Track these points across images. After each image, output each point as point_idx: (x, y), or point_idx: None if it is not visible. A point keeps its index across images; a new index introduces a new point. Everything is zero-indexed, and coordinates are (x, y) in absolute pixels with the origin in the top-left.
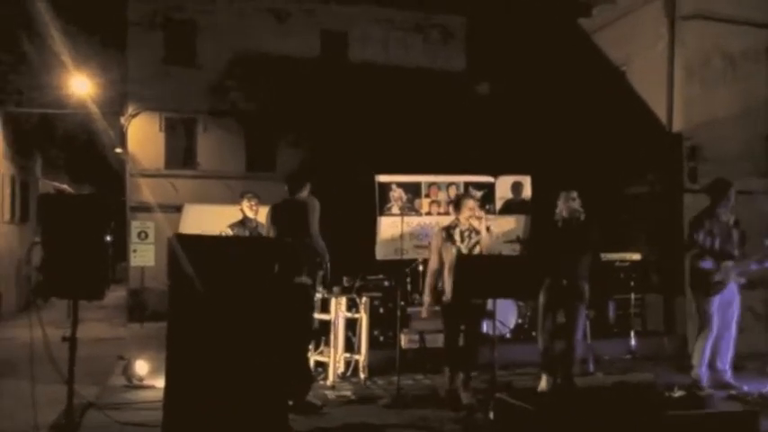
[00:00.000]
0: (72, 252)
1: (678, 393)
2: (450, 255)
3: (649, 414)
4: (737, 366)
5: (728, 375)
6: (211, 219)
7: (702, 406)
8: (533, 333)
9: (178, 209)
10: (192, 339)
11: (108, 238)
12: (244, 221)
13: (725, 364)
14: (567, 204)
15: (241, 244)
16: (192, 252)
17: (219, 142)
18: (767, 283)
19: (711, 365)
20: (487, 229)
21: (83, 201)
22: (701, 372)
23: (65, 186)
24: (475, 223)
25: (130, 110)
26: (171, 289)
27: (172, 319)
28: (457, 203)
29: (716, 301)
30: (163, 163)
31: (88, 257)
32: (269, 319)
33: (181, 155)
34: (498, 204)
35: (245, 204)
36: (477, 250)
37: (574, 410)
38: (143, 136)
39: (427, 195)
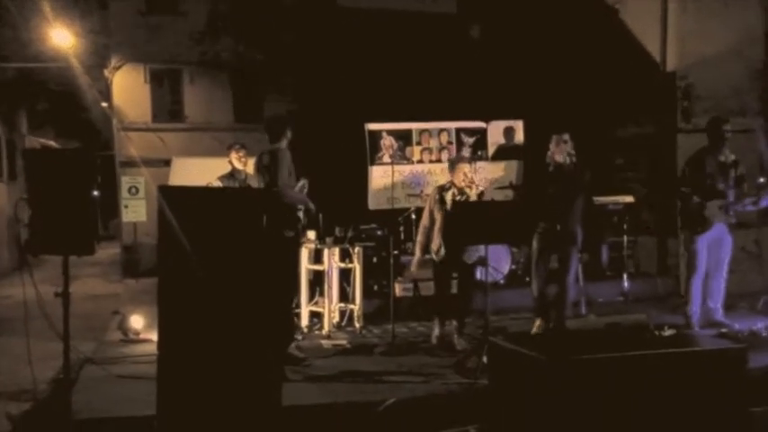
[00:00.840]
0: (59, 208)
1: (669, 332)
2: (440, 215)
3: (641, 353)
4: (730, 305)
5: (720, 314)
6: (200, 171)
7: (692, 344)
8: (527, 279)
9: (167, 162)
10: (182, 293)
11: (95, 193)
12: (233, 173)
13: (716, 303)
14: (559, 148)
15: (228, 195)
16: (178, 204)
17: (207, 94)
18: (761, 222)
19: (703, 305)
20: (479, 195)
21: (68, 155)
22: (692, 311)
23: (51, 142)
24: (466, 188)
25: (114, 62)
26: (160, 242)
27: (162, 272)
28: (452, 165)
29: (703, 240)
30: (150, 116)
31: (75, 213)
32: (259, 271)
33: (168, 107)
34: (491, 150)
35: (234, 156)
36: None
37: (565, 352)
38: (128, 89)
39: (419, 143)
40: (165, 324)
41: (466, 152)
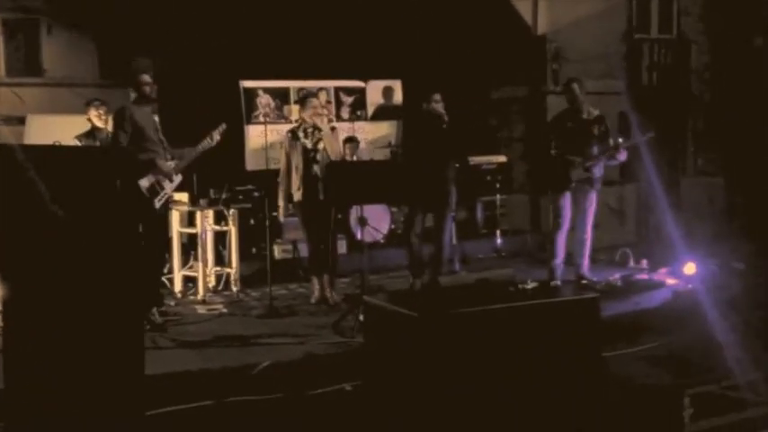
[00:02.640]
0: None
1: (531, 285)
2: (296, 153)
3: (504, 306)
4: (591, 259)
5: (584, 268)
6: (60, 130)
7: (550, 295)
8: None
9: (23, 120)
10: (26, 259)
11: None
12: (93, 131)
13: (581, 258)
14: (430, 107)
15: (72, 154)
16: (18, 164)
17: (68, 47)
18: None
19: (568, 259)
20: (332, 129)
21: None
22: (555, 264)
23: None
24: (317, 120)
25: None
26: (0, 204)
27: (2, 238)
28: (302, 102)
29: (566, 197)
30: (3, 70)
31: None
32: (109, 235)
33: (24, 61)
34: (370, 110)
35: (93, 113)
36: (321, 146)
37: (435, 308)
38: None
39: (296, 102)
40: (9, 291)
41: (345, 112)
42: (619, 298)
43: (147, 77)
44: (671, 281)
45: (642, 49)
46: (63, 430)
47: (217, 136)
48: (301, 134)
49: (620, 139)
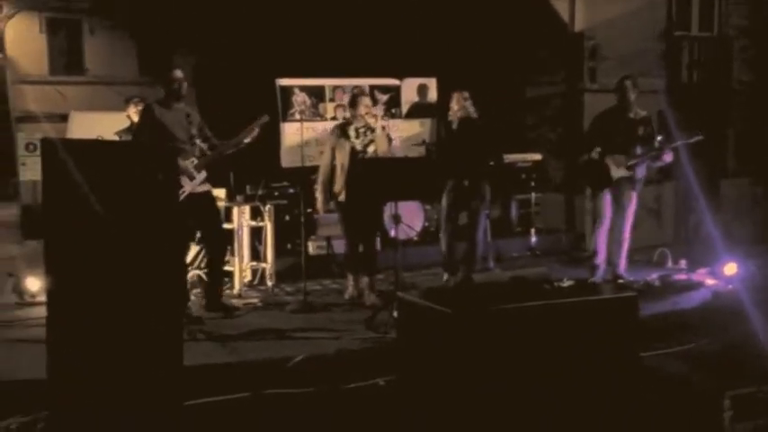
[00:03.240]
0: None
1: (567, 283)
2: (343, 152)
3: (540, 303)
4: (630, 259)
5: (621, 268)
6: (101, 126)
7: (587, 294)
8: (439, 235)
9: (65, 118)
10: (70, 251)
11: None
12: (132, 128)
13: (618, 257)
14: (461, 104)
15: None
16: (66, 158)
17: (109, 45)
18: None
19: (607, 259)
20: (383, 128)
21: None
22: (597, 263)
23: None
24: (371, 121)
25: (5, 10)
26: (44, 198)
27: (48, 230)
28: (352, 101)
29: (607, 196)
30: (47, 69)
31: None
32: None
33: (66, 59)
34: (404, 108)
35: (132, 110)
36: (372, 148)
37: (469, 304)
38: (22, 39)
39: (332, 99)
40: (54, 284)
41: (379, 110)
42: (657, 298)
43: (178, 73)
44: (710, 281)
45: (682, 46)
46: (104, 419)
47: (257, 128)
48: (352, 133)
49: (660, 138)
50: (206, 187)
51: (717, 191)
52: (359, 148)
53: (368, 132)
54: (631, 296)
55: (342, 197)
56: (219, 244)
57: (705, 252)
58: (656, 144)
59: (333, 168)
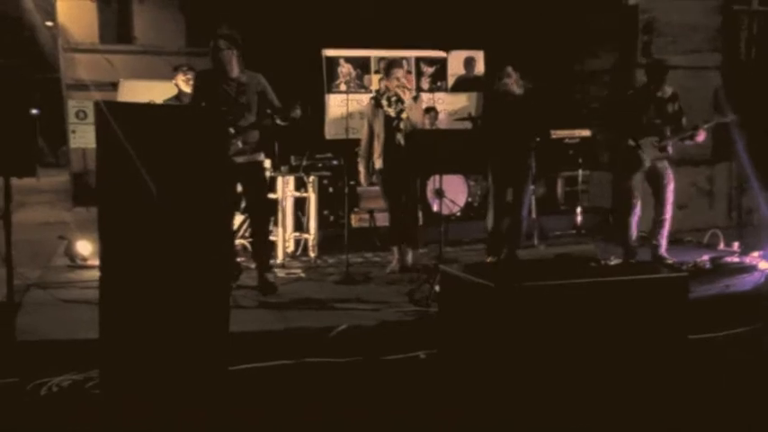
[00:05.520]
0: None
1: (615, 262)
2: (379, 122)
3: (586, 281)
4: (678, 240)
5: (662, 249)
6: (148, 95)
7: (636, 273)
8: (483, 211)
9: (114, 86)
10: (123, 213)
11: (34, 111)
12: (179, 96)
13: (659, 238)
14: (510, 79)
15: (172, 112)
16: (119, 121)
17: (157, 15)
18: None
19: (648, 240)
20: (414, 98)
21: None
22: (631, 245)
23: None
24: (400, 92)
25: None
26: (98, 161)
27: (101, 193)
28: (387, 69)
29: (637, 178)
30: (97, 37)
31: (14, 132)
32: (206, 194)
33: (116, 29)
34: (450, 81)
35: (181, 78)
36: (404, 115)
37: (513, 279)
38: (74, 7)
39: (377, 71)
40: (106, 246)
41: (425, 82)
42: (707, 280)
43: (222, 42)
44: (764, 265)
45: (741, 21)
46: (153, 380)
47: (298, 111)
48: (384, 102)
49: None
50: (259, 157)
51: None
52: (392, 115)
53: (398, 102)
54: (681, 276)
55: (379, 164)
56: (264, 215)
57: (759, 235)
58: (684, 122)
59: (372, 138)
